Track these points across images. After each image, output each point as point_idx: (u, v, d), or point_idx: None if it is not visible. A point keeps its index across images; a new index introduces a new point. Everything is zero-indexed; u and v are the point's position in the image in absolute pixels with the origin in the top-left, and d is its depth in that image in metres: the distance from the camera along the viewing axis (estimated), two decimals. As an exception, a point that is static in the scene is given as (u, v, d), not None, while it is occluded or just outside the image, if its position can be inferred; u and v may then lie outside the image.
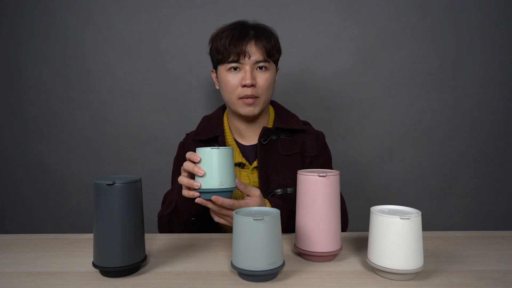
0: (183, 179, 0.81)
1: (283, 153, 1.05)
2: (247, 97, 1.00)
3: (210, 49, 1.07)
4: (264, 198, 0.92)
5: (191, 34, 1.46)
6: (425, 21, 1.45)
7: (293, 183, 1.03)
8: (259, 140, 1.04)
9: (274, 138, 1.06)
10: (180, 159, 1.12)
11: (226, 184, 0.79)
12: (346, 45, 1.46)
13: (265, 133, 1.05)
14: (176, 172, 1.12)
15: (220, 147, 0.79)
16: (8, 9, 1.46)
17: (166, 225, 1.00)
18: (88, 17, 1.46)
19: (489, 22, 1.45)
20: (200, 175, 0.78)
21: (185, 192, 0.82)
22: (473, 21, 1.45)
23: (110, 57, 1.48)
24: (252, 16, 1.44)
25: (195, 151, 1.10)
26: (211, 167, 0.78)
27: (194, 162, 0.80)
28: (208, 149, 0.78)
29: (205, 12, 1.45)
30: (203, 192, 0.79)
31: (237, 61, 0.99)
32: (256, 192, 0.85)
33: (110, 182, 0.65)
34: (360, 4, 1.45)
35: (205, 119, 1.14)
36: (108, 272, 0.67)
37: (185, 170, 0.82)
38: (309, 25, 1.46)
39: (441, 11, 1.45)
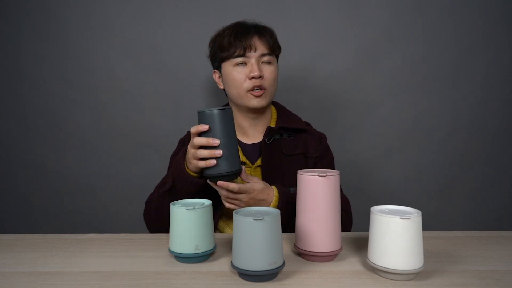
0: (203, 151, 0.82)
1: (286, 153, 1.06)
2: (255, 88, 1.01)
3: (211, 51, 1.09)
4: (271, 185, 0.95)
5: (191, 35, 1.46)
6: (425, 21, 1.45)
7: (296, 183, 1.03)
8: (263, 139, 1.05)
9: (277, 137, 1.07)
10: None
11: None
12: (346, 45, 1.46)
13: (269, 133, 1.06)
14: None
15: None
16: (8, 9, 1.46)
17: (154, 209, 0.97)
18: (88, 17, 1.46)
19: (489, 22, 1.45)
20: (217, 144, 0.80)
21: (202, 163, 0.82)
22: (473, 21, 1.45)
23: (110, 57, 1.47)
24: (252, 16, 1.43)
25: None
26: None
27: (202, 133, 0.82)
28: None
29: (205, 13, 1.45)
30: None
31: (243, 55, 1.01)
32: (257, 178, 0.91)
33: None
34: (360, 4, 1.44)
35: None
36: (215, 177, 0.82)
37: (196, 146, 0.83)
38: (309, 25, 1.45)
39: (441, 11, 1.45)
